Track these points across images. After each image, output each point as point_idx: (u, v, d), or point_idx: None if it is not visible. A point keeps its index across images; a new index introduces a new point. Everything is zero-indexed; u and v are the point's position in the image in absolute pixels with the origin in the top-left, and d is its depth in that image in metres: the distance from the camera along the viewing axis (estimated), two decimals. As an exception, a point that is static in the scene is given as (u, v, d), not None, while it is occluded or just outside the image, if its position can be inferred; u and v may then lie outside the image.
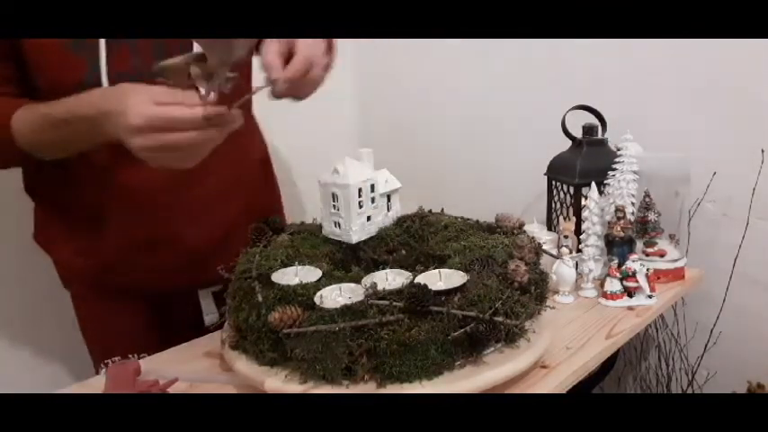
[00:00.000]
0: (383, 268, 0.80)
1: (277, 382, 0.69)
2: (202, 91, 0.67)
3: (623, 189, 1.07)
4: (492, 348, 0.72)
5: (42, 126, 0.77)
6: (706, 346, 1.26)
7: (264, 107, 1.51)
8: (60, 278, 1.04)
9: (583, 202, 1.07)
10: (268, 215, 0.94)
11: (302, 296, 0.71)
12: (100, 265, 0.96)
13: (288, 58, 0.77)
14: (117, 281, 0.97)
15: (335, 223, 0.87)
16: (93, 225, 0.93)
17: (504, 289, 0.72)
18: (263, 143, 1.13)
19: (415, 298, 0.67)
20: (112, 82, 0.81)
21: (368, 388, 0.67)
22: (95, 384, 0.76)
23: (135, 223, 0.92)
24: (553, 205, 1.22)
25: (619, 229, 1.03)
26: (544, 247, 0.85)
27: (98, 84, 0.81)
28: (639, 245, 1.10)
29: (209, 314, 1.02)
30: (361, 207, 0.85)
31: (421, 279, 0.72)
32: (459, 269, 0.75)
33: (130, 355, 0.94)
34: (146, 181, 0.88)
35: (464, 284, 0.71)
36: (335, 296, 0.72)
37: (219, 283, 0.97)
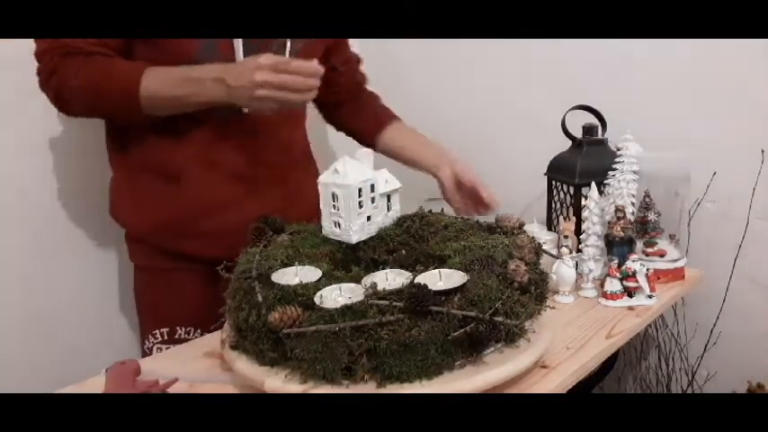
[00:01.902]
0: (383, 268, 0.80)
1: (277, 382, 0.69)
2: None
3: (623, 189, 1.07)
4: (492, 348, 0.72)
5: (174, 82, 0.93)
6: (706, 346, 1.26)
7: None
8: (128, 250, 1.12)
9: (583, 202, 1.07)
10: (312, 201, 0.99)
11: (302, 296, 0.71)
12: (166, 228, 1.04)
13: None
14: (181, 245, 1.04)
15: (335, 223, 0.87)
16: (164, 189, 1.03)
17: (504, 289, 0.72)
18: (307, 139, 1.24)
19: (415, 298, 0.67)
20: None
21: (368, 388, 0.67)
22: (95, 384, 0.76)
23: (202, 190, 1.02)
24: (553, 205, 1.22)
25: (619, 229, 1.03)
26: (544, 247, 0.85)
27: (209, 60, 0.95)
28: (639, 245, 1.10)
29: None
30: (361, 207, 0.85)
31: (421, 279, 0.72)
32: (459, 269, 0.75)
33: (186, 330, 1.07)
34: (218, 152, 1.02)
35: (464, 284, 0.71)
36: (335, 296, 0.72)
37: None
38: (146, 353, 1.08)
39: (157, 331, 1.07)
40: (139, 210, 1.05)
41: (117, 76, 0.93)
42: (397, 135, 1.23)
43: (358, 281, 0.75)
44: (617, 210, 1.04)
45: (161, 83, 0.93)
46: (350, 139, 1.29)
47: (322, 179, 0.86)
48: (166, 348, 1.05)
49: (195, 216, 1.03)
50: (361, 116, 1.26)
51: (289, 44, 0.99)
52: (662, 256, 1.09)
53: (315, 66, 0.92)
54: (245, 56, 0.97)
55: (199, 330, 1.06)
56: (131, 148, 1.04)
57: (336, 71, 1.18)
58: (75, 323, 1.20)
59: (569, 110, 1.19)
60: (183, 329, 1.07)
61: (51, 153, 1.18)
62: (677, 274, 1.09)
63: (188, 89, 0.93)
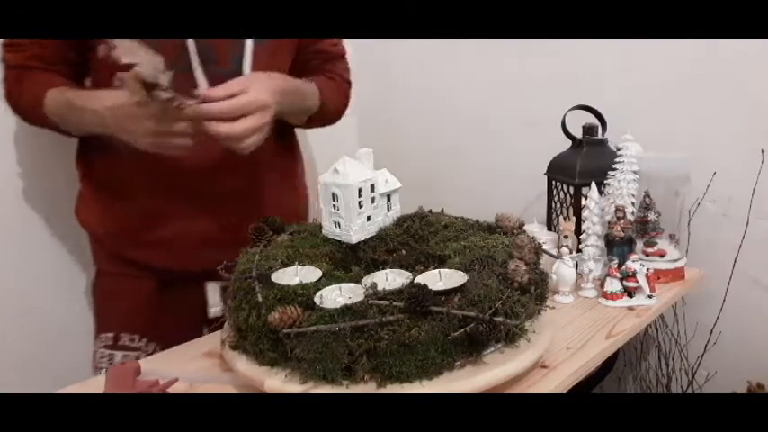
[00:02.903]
0: (383, 268, 0.80)
1: (277, 382, 0.69)
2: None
3: (623, 189, 1.07)
4: (492, 348, 0.72)
5: (63, 107, 0.90)
6: (706, 346, 1.26)
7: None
8: (92, 253, 1.10)
9: (583, 202, 1.07)
10: (289, 205, 1.00)
11: (302, 296, 0.71)
12: (116, 234, 1.02)
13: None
14: (130, 252, 1.02)
15: (335, 223, 0.87)
16: (114, 196, 1.01)
17: (504, 289, 0.72)
18: (294, 156, 1.17)
19: (415, 298, 0.67)
20: None
21: (368, 388, 0.67)
22: (95, 384, 0.76)
23: (150, 201, 0.99)
24: (553, 205, 1.22)
25: (619, 229, 1.03)
26: (544, 247, 0.85)
27: None
28: (639, 245, 1.10)
29: (214, 306, 1.04)
30: (361, 207, 0.85)
31: (421, 279, 0.72)
32: (459, 269, 0.75)
33: (130, 337, 1.03)
34: (167, 162, 0.94)
35: (464, 284, 0.71)
36: (335, 296, 0.72)
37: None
38: (93, 356, 1.07)
39: (103, 335, 1.06)
40: (94, 213, 1.04)
41: (30, 98, 0.93)
42: None
43: (358, 281, 0.75)
44: (617, 210, 1.04)
45: (57, 104, 0.91)
46: (350, 138, 1.29)
47: (322, 179, 0.86)
48: (109, 354, 1.04)
49: (142, 226, 1.01)
50: None
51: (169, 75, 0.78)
52: (662, 256, 1.09)
53: (229, 105, 0.81)
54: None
55: (144, 339, 1.04)
56: (89, 155, 1.04)
57: (307, 58, 1.11)
58: (43, 321, 1.19)
59: (569, 110, 1.19)
60: (128, 336, 1.05)
61: (18, 153, 1.14)
62: (677, 274, 1.09)
63: (73, 116, 0.91)
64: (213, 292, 1.05)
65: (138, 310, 1.05)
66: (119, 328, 1.05)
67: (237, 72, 0.94)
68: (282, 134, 1.10)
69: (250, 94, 0.83)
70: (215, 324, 0.90)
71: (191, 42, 0.91)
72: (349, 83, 1.18)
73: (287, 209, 1.08)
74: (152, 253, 1.02)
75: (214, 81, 0.89)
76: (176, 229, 1.00)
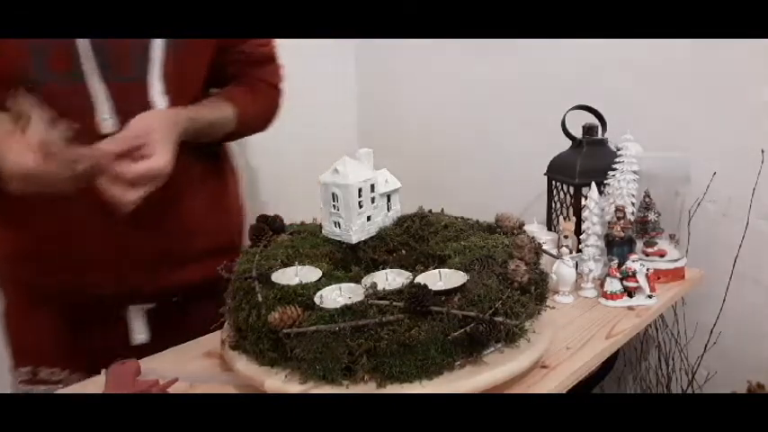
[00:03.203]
0: (383, 268, 0.80)
1: (277, 382, 0.69)
2: None
3: (623, 189, 1.07)
4: (492, 348, 0.72)
5: None
6: (706, 346, 1.26)
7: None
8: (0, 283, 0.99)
9: (583, 202, 1.07)
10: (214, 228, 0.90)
11: (302, 296, 0.71)
12: (30, 261, 0.91)
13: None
14: (47, 281, 0.91)
15: (335, 223, 0.87)
16: (25, 221, 0.89)
17: (504, 289, 0.72)
18: (222, 176, 1.05)
19: (415, 298, 0.67)
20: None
21: (368, 388, 0.67)
22: (95, 384, 0.76)
23: (68, 222, 0.87)
24: (553, 205, 1.22)
25: (619, 229, 1.03)
26: (544, 247, 0.85)
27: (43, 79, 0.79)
28: (639, 245, 1.10)
29: (140, 334, 0.94)
30: (361, 207, 0.85)
31: (421, 279, 0.72)
32: (459, 269, 0.75)
33: (49, 370, 0.94)
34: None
35: (464, 284, 0.71)
36: (335, 296, 0.72)
37: (153, 301, 0.94)
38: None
39: (22, 369, 0.97)
40: (2, 239, 0.93)
41: None
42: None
43: (358, 281, 0.75)
44: (617, 210, 1.04)
45: None
46: (350, 138, 1.28)
47: (322, 179, 0.86)
48: (29, 390, 0.97)
49: (50, 251, 0.89)
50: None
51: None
52: (662, 256, 1.09)
53: (126, 172, 0.74)
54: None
55: (66, 371, 0.96)
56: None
57: (231, 59, 0.99)
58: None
59: (569, 110, 1.19)
60: (47, 370, 0.96)
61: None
62: (677, 274, 1.09)
63: None
64: (136, 316, 0.95)
65: (54, 340, 0.95)
66: (36, 361, 0.96)
67: (142, 80, 0.83)
68: (208, 156, 1.00)
69: (151, 160, 0.75)
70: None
71: (83, 44, 0.79)
72: (278, 88, 1.06)
73: (214, 230, 0.99)
74: (63, 278, 0.90)
75: (115, 92, 0.81)
76: (86, 253, 0.89)
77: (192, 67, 0.91)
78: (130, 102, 0.82)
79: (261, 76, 1.03)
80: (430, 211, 0.94)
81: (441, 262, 0.80)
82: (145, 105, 0.83)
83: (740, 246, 1.19)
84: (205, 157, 0.99)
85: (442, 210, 0.96)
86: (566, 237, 0.99)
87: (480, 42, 1.48)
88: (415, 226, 0.90)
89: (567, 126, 1.19)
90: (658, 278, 1.05)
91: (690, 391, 1.31)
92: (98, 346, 0.91)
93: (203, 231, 0.95)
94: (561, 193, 1.19)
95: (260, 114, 1.04)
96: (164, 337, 0.91)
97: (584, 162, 1.13)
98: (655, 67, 1.25)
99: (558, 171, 1.19)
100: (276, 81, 1.06)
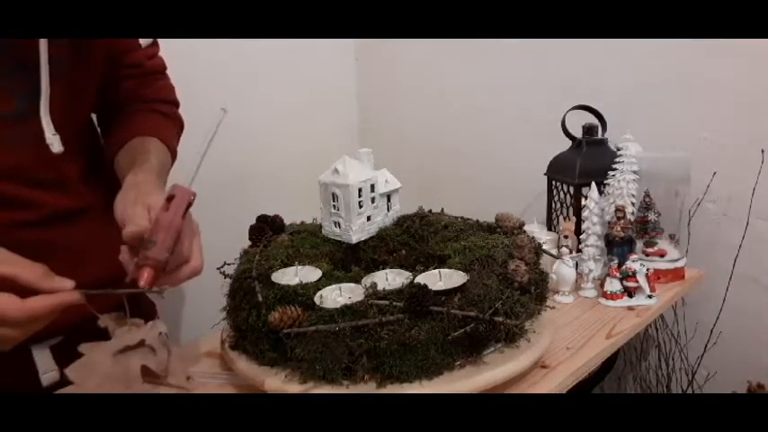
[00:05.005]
0: (383, 268, 0.80)
1: (277, 382, 0.69)
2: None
3: (623, 189, 1.07)
4: (492, 348, 0.72)
5: None
6: (706, 346, 1.26)
7: (267, 107, 1.51)
8: None
9: (583, 202, 1.07)
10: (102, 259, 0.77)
11: (302, 296, 0.71)
12: None
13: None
14: None
15: (335, 223, 0.87)
16: None
17: (504, 289, 0.72)
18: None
19: (415, 298, 0.67)
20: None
21: (368, 388, 0.67)
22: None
23: None
24: (553, 205, 1.22)
25: (619, 229, 1.03)
26: (544, 247, 0.85)
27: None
28: (639, 245, 1.10)
29: (48, 372, 0.84)
30: (361, 207, 0.85)
31: (421, 279, 0.72)
32: (459, 269, 0.75)
33: None
34: None
35: (464, 284, 0.71)
36: (335, 296, 0.72)
37: (58, 335, 0.82)
38: None
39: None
40: None
41: None
42: (122, 158, 0.86)
43: (358, 281, 0.75)
44: (617, 210, 1.04)
45: None
46: (350, 138, 1.27)
47: (322, 179, 0.86)
48: None
49: None
50: (116, 127, 0.92)
51: None
52: (662, 256, 1.09)
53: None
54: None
55: None
56: None
57: (121, 74, 0.92)
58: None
59: (569, 110, 1.19)
60: None
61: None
62: (677, 274, 1.09)
63: None
64: (41, 356, 0.84)
65: None
66: None
67: (26, 115, 0.75)
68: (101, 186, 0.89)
69: (191, 264, 0.68)
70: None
71: None
72: (177, 104, 0.99)
73: (107, 259, 0.80)
74: None
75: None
76: None
77: (83, 91, 0.84)
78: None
79: (162, 96, 0.97)
80: (430, 211, 0.94)
81: (441, 262, 0.80)
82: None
83: (740, 246, 1.19)
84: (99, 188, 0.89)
85: (442, 210, 0.96)
86: (566, 237, 0.99)
87: (480, 42, 1.48)
88: (415, 226, 0.90)
89: (567, 126, 1.19)
90: (658, 278, 1.05)
91: (690, 391, 1.30)
92: (8, 389, 0.78)
93: (109, 260, 0.77)
94: (561, 193, 1.19)
95: (176, 134, 0.97)
96: None
97: (584, 162, 1.13)
98: (655, 67, 1.25)
99: (557, 171, 1.19)
100: (174, 96, 1.00)
